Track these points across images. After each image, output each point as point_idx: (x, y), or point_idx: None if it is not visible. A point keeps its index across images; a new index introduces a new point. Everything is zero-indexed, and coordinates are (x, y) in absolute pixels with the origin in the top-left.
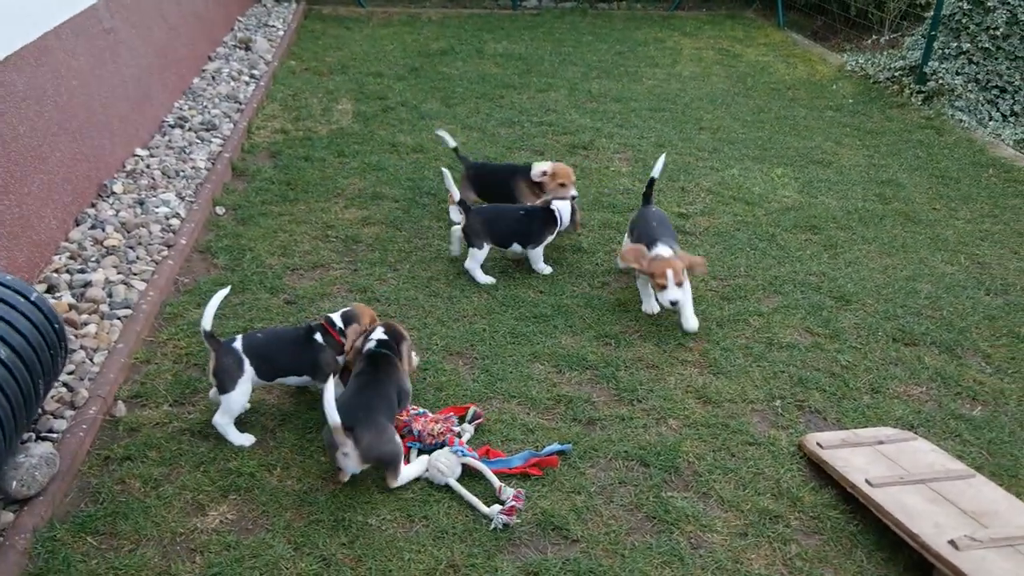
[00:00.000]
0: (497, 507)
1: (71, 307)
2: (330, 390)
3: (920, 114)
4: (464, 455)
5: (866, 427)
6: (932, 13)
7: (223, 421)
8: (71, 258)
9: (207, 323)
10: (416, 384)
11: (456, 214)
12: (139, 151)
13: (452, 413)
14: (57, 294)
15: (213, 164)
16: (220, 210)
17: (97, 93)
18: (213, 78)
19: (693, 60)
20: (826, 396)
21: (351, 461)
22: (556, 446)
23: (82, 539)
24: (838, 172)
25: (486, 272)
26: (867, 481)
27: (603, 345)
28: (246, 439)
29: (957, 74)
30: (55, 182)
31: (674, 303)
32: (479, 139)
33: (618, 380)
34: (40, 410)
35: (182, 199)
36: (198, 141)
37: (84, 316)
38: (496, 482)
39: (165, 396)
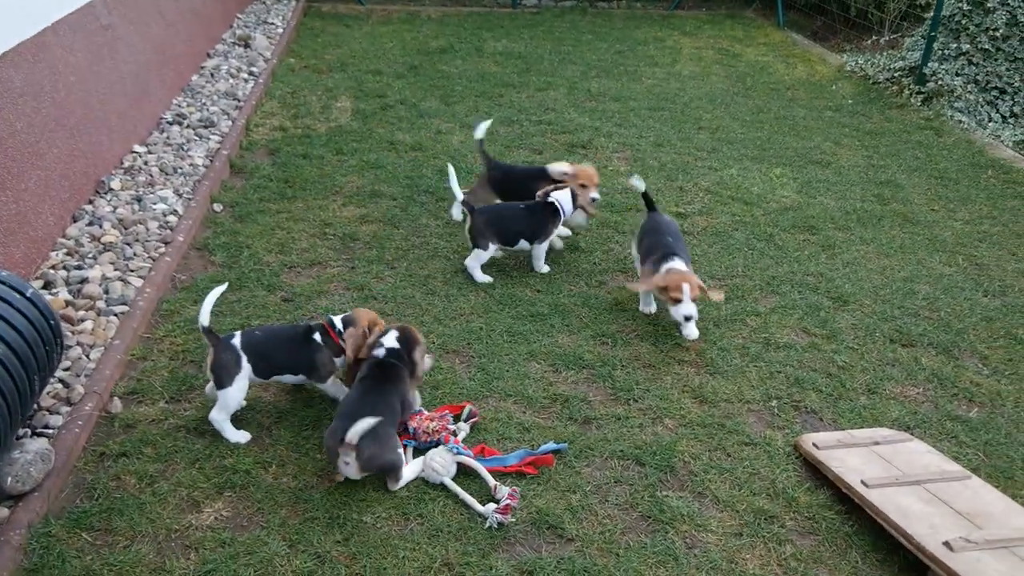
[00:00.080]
0: (492, 505)
1: (68, 303)
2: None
3: (919, 115)
4: (460, 453)
5: (862, 428)
6: (932, 14)
7: (220, 417)
8: (68, 254)
9: (204, 319)
10: None
11: (458, 212)
12: (137, 148)
13: (448, 411)
14: (54, 290)
15: (211, 161)
16: (218, 207)
17: (95, 89)
18: (212, 75)
19: (693, 59)
20: (822, 396)
21: (351, 469)
22: (552, 445)
23: (77, 535)
24: (837, 172)
25: (484, 270)
26: (862, 482)
27: (600, 344)
28: (242, 436)
29: (957, 75)
30: (52, 178)
31: (689, 318)
32: None
33: (614, 379)
34: (36, 406)
35: (180, 196)
36: (196, 138)
37: (81, 312)
38: (491, 481)
39: (161, 393)
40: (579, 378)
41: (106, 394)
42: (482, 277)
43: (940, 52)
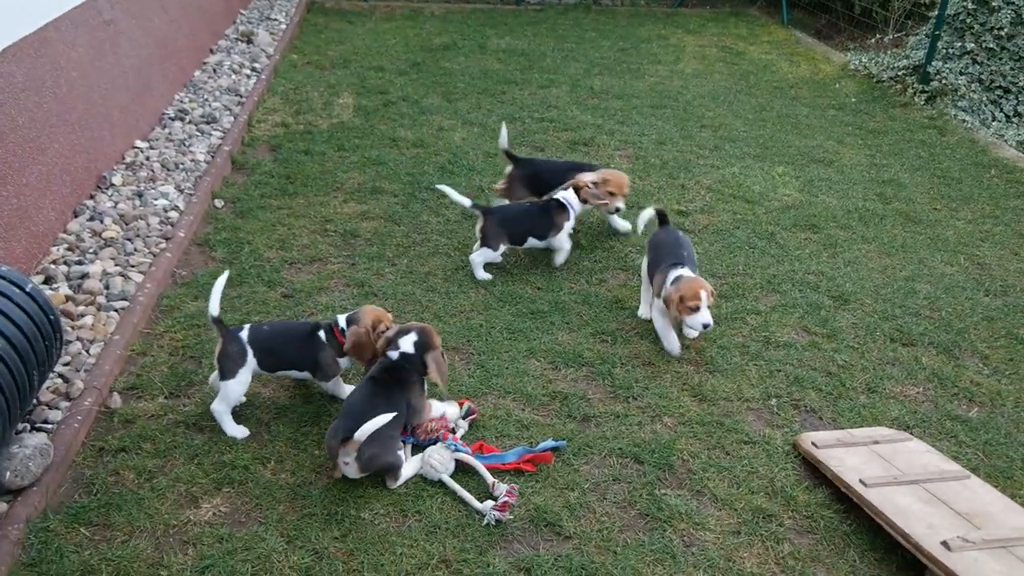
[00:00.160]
0: (490, 503)
1: (68, 298)
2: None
3: (923, 114)
4: (458, 450)
5: (861, 427)
6: (936, 12)
7: (221, 408)
8: (69, 249)
9: (214, 309)
10: None
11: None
12: (139, 143)
13: None
14: (54, 285)
15: (213, 157)
16: (219, 203)
17: (97, 84)
18: (214, 71)
19: (696, 57)
20: (822, 395)
21: (351, 469)
22: (550, 442)
23: (75, 530)
24: (839, 171)
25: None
26: (861, 481)
27: (599, 342)
28: (240, 431)
29: (961, 74)
30: (53, 173)
31: (707, 326)
32: (480, 134)
33: (614, 377)
34: (35, 401)
35: (181, 192)
36: (198, 134)
37: (81, 307)
38: (489, 478)
39: (161, 388)
40: (578, 376)
41: (105, 389)
42: (482, 275)
43: (944, 51)
